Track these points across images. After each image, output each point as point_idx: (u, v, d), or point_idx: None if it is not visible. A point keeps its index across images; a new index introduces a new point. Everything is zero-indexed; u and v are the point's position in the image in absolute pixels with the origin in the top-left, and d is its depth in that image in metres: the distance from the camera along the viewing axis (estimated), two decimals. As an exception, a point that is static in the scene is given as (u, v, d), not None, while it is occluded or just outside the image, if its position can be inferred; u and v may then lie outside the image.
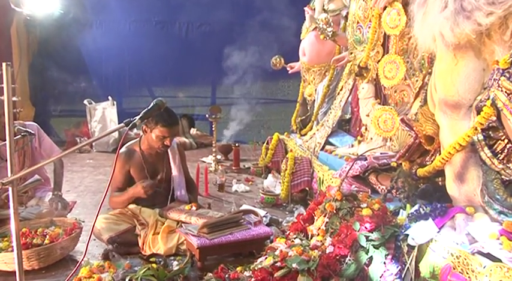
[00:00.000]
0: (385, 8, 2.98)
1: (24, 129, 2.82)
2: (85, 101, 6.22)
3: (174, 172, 2.89)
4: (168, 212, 2.71)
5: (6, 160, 1.46)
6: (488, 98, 1.65)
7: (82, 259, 1.95)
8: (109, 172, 4.45)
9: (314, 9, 4.55)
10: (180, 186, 2.90)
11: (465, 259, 1.55)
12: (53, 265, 2.43)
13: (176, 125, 2.74)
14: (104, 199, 1.75)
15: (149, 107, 1.79)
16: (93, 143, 5.97)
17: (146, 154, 2.81)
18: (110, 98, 6.24)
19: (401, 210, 2.08)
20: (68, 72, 6.31)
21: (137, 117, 1.70)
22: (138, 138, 2.86)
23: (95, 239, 2.70)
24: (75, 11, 6.34)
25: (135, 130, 6.02)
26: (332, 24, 3.72)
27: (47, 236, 2.47)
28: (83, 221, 2.76)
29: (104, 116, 6.17)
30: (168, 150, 2.87)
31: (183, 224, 2.59)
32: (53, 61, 6.36)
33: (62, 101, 6.63)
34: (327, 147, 3.74)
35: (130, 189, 2.72)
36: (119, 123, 1.66)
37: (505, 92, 1.56)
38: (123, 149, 2.79)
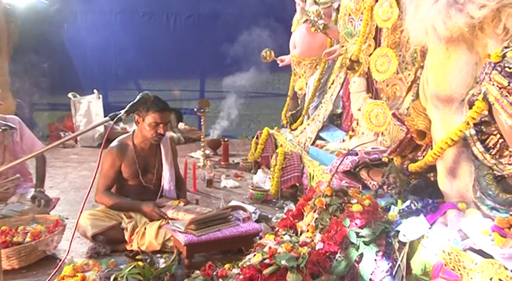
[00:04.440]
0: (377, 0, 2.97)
1: (5, 123, 2.76)
2: (69, 95, 6.09)
3: (166, 168, 2.86)
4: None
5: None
6: (480, 92, 1.63)
7: (65, 257, 1.94)
8: (94, 167, 4.38)
9: (305, 1, 4.49)
10: (170, 183, 2.87)
11: (457, 256, 1.55)
12: (34, 264, 2.38)
13: (167, 110, 2.72)
14: (88, 195, 1.72)
15: (135, 101, 1.80)
16: (78, 138, 5.85)
17: (139, 149, 2.78)
18: (95, 91, 6.12)
19: (392, 206, 2.08)
20: (52, 65, 6.16)
21: (123, 111, 1.71)
22: (131, 133, 2.83)
23: (79, 237, 2.65)
24: (60, 1, 6.19)
25: (121, 124, 5.95)
26: (323, 16, 3.69)
27: (29, 234, 2.41)
28: (67, 218, 2.71)
29: (89, 109, 6.05)
30: (161, 145, 2.84)
31: (170, 221, 2.55)
32: (36, 53, 6.20)
33: (45, 94, 6.50)
34: (318, 142, 3.73)
35: (137, 203, 2.67)
36: (104, 117, 1.68)
37: (497, 86, 1.54)
38: (115, 143, 2.75)
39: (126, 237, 2.58)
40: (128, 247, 2.57)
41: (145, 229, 2.59)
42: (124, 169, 2.74)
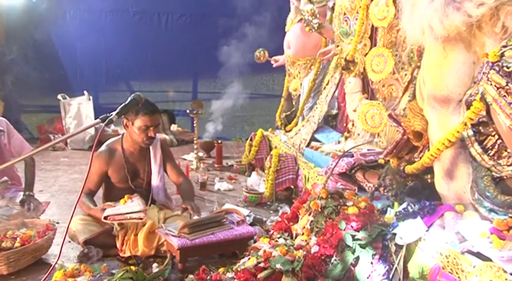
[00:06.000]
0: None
1: (-9, 125, 2.70)
2: (59, 96, 6.03)
3: (154, 171, 2.80)
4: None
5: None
6: (478, 92, 1.62)
7: (56, 262, 1.89)
8: (85, 170, 4.34)
9: (300, -1, 4.49)
10: (158, 187, 2.80)
11: (455, 259, 1.54)
12: (24, 270, 2.33)
13: (157, 113, 2.68)
14: (79, 199, 1.68)
15: (127, 102, 1.80)
16: (68, 141, 5.81)
17: (128, 153, 2.73)
18: (85, 92, 6.07)
19: (389, 208, 2.06)
20: (41, 65, 6.08)
21: (114, 113, 1.70)
22: (120, 136, 2.79)
23: (70, 241, 2.61)
24: (48, 0, 6.10)
25: (112, 127, 5.90)
26: (318, 15, 3.66)
27: (18, 239, 2.36)
28: (57, 223, 2.66)
29: (79, 111, 6.01)
30: (151, 149, 2.79)
31: (162, 225, 2.52)
32: (24, 53, 6.13)
33: (34, 95, 6.42)
34: (313, 143, 3.71)
35: (93, 209, 2.57)
36: (95, 119, 1.67)
37: (495, 86, 1.52)
38: (103, 148, 2.71)
39: (118, 245, 2.53)
40: (121, 254, 2.52)
41: (134, 235, 2.53)
42: (112, 174, 2.70)
